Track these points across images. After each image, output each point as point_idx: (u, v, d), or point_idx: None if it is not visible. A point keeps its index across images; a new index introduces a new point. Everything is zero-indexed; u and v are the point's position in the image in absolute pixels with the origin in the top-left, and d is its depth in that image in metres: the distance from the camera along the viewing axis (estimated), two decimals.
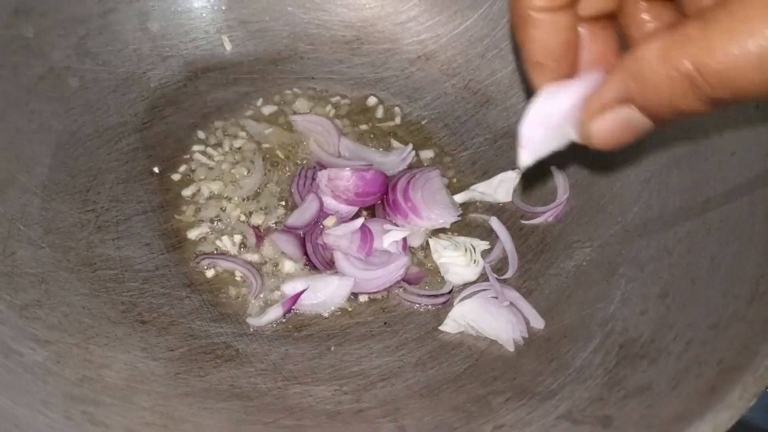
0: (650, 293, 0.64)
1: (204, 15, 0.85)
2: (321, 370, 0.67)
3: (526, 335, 0.68)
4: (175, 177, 0.78)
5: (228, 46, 0.86)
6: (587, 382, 0.60)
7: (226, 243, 0.74)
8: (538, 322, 0.68)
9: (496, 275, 0.72)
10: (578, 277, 0.71)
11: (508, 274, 0.73)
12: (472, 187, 0.79)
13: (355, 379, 0.66)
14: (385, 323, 0.71)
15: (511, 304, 0.69)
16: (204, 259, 0.73)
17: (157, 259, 0.72)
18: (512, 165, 0.80)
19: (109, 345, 0.63)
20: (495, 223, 0.76)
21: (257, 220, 0.76)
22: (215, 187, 0.78)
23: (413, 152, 0.82)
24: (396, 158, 0.81)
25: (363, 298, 0.72)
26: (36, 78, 0.75)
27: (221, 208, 0.76)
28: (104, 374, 0.60)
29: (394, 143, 0.83)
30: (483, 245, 0.74)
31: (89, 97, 0.78)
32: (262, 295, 0.71)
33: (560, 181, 0.78)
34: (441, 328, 0.69)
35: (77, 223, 0.71)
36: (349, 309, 0.72)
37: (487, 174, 0.81)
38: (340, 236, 0.72)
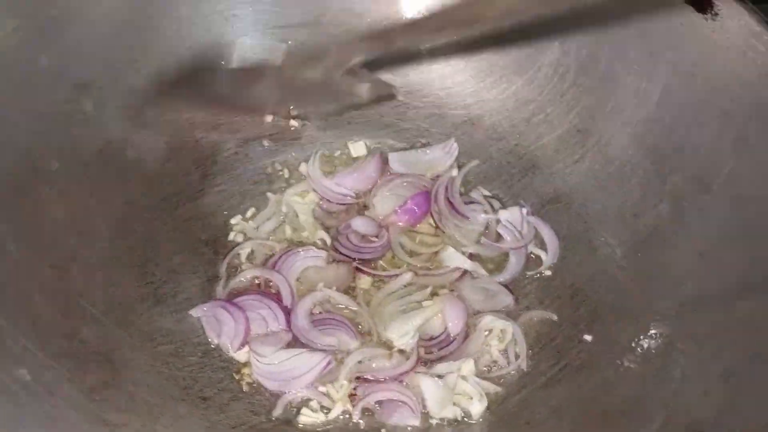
0: (711, 372, 0.64)
1: None
2: None
3: None
4: (229, 245, 0.78)
5: None
6: None
7: None
8: None
9: None
10: (633, 349, 0.71)
11: None
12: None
13: None
14: None
15: None
16: None
17: None
18: (557, 231, 0.81)
19: (174, 425, 0.64)
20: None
21: None
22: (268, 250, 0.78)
23: (455, 145, 0.85)
24: (440, 152, 0.85)
25: None
26: (95, 151, 0.76)
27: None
28: None
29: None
30: None
31: (146, 167, 0.79)
32: None
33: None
34: None
35: (137, 297, 0.72)
36: None
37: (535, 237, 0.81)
38: None
